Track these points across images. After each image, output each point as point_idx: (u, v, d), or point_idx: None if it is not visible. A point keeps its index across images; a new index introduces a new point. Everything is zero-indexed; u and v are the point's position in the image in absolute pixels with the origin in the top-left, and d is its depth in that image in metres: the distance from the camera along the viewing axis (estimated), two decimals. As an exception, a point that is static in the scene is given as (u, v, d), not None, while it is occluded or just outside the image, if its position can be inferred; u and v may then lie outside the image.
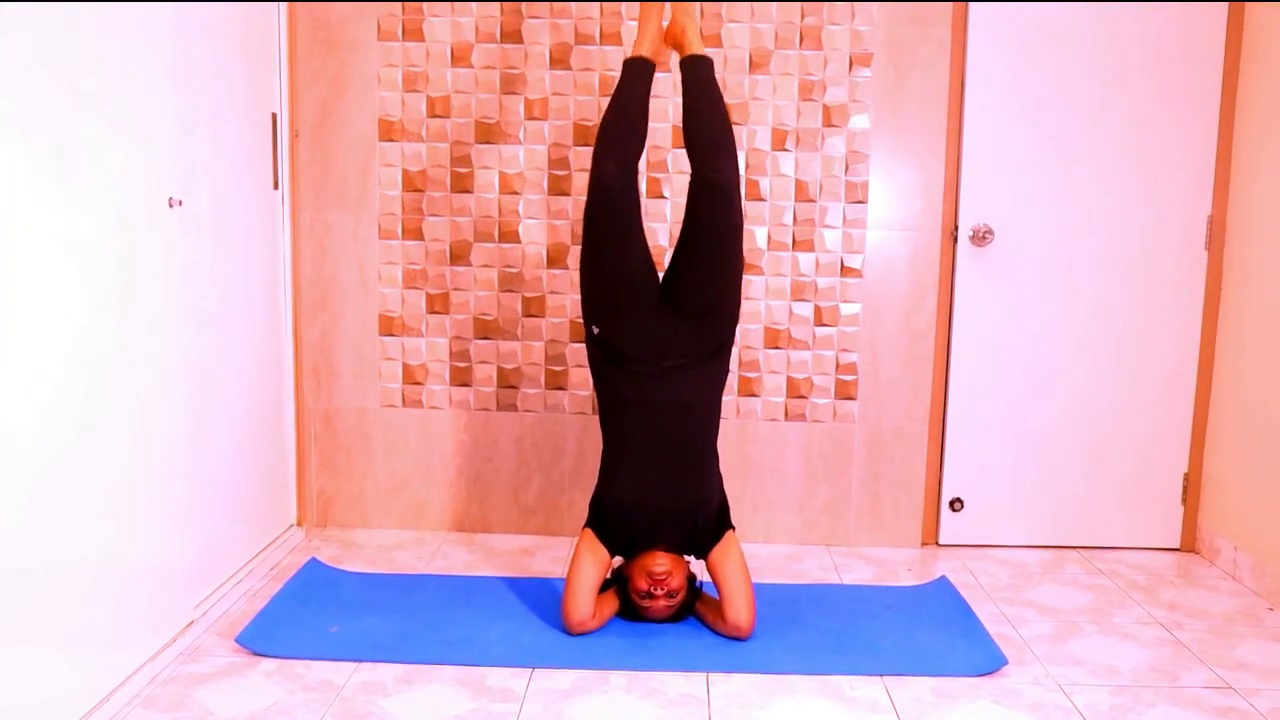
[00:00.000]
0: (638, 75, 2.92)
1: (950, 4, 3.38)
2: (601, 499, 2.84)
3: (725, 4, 3.39)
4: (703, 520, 2.81)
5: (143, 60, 2.46)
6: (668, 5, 3.01)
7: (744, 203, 3.20)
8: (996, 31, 3.42)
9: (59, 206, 2.15)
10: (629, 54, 2.97)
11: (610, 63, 3.43)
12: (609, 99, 2.97)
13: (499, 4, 3.41)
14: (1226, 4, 3.40)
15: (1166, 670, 2.69)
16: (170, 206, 2.59)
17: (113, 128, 2.34)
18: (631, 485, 2.79)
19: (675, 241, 2.95)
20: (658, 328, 2.80)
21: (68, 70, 2.17)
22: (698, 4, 3.31)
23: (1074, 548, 3.63)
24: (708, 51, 2.96)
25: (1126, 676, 2.65)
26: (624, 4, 3.40)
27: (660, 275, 2.90)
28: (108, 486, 2.35)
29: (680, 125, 3.43)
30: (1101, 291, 3.53)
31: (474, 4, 3.41)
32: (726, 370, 2.89)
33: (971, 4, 3.40)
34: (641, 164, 3.43)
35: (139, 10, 2.43)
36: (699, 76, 2.89)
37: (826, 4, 3.38)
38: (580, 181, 3.48)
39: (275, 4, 3.33)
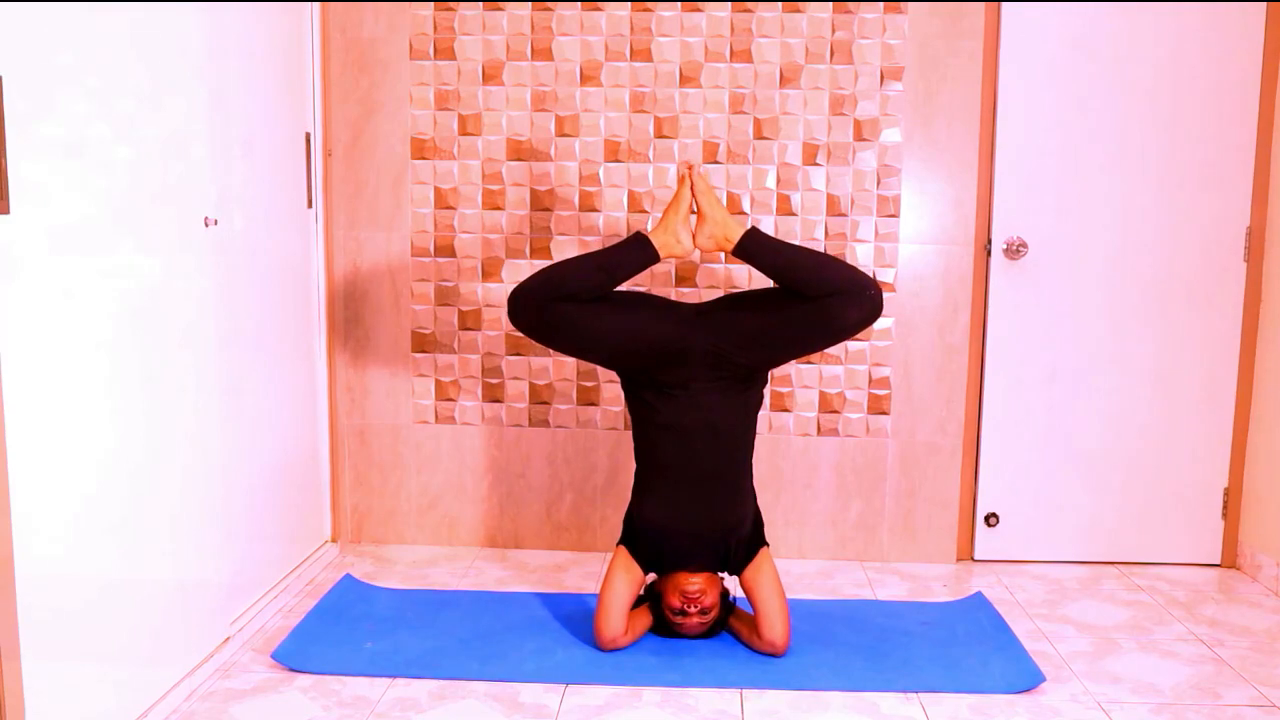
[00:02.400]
0: (634, 262, 2.75)
1: (981, 16, 3.38)
2: (634, 519, 2.84)
3: (756, 18, 3.41)
4: (735, 542, 2.80)
5: (179, 82, 2.50)
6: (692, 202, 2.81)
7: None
8: (1028, 43, 3.41)
9: (97, 227, 2.19)
10: (648, 230, 2.80)
11: (640, 78, 3.45)
12: (592, 254, 2.80)
13: (529, 20, 3.44)
14: (1264, 10, 3.38)
15: (1208, 688, 2.66)
16: (206, 226, 2.62)
17: (150, 148, 2.37)
18: (663, 508, 2.78)
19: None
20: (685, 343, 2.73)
21: (108, 92, 2.21)
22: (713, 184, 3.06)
23: (1112, 563, 3.60)
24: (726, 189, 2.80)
25: (1167, 694, 2.63)
26: (655, 17, 3.42)
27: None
28: (145, 505, 2.38)
29: (715, 140, 3.45)
30: (1138, 304, 3.51)
31: (505, 20, 3.45)
32: (760, 398, 2.84)
33: (1004, 15, 3.39)
34: (673, 180, 3.47)
35: (175, 33, 2.47)
36: (766, 260, 2.73)
37: (858, 16, 3.39)
38: (611, 197, 3.50)
39: (309, 26, 3.38)
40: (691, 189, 2.78)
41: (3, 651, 1.89)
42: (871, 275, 2.80)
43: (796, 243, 2.76)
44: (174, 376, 2.49)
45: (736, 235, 2.75)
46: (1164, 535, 3.60)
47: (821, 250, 2.68)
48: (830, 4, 3.40)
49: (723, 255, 3.48)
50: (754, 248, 2.74)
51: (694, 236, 2.80)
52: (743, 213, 3.48)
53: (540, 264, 3.51)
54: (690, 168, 2.81)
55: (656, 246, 2.76)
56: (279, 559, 3.22)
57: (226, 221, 2.78)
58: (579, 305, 2.73)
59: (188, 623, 2.59)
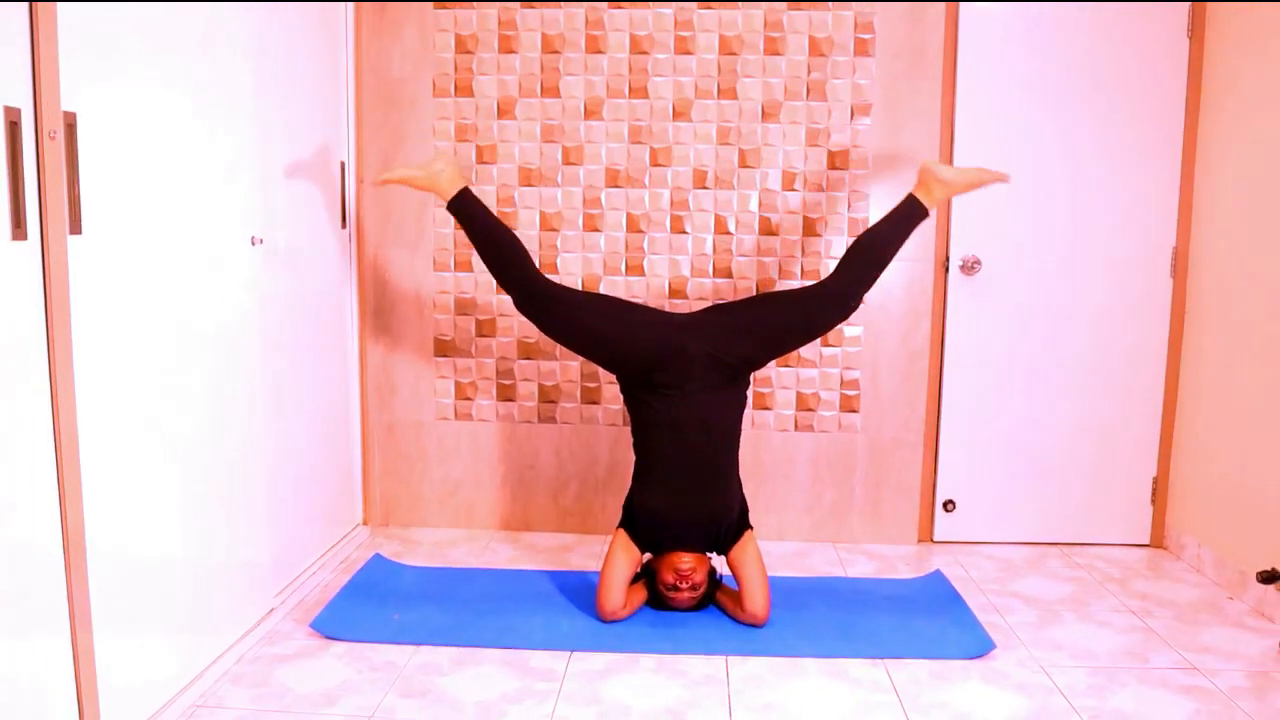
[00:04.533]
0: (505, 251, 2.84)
1: (940, 61, 3.40)
2: (633, 505, 2.82)
3: (740, 60, 3.43)
4: (723, 526, 2.79)
5: (230, 119, 2.51)
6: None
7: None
8: (982, 84, 3.43)
9: (158, 246, 2.21)
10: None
11: (638, 113, 3.46)
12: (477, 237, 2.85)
13: (539, 63, 3.46)
14: (1186, 53, 3.42)
15: (1138, 653, 2.68)
16: (252, 244, 2.63)
17: (204, 177, 2.39)
18: (660, 498, 2.77)
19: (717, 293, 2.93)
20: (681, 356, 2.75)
21: (167, 126, 2.22)
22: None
23: (1055, 544, 3.61)
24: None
25: (1102, 659, 2.64)
26: (650, 59, 3.44)
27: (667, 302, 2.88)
28: (201, 490, 2.40)
29: (703, 168, 3.47)
30: (1079, 314, 3.52)
31: (518, 62, 3.46)
32: (746, 398, 2.85)
33: (960, 60, 3.41)
34: (666, 204, 3.48)
35: (226, 74, 2.48)
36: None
37: (830, 59, 3.41)
38: (611, 218, 3.51)
39: (345, 67, 3.38)
40: None
41: (76, 622, 1.90)
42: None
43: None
44: (226, 377, 2.50)
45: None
46: (1100, 519, 3.61)
47: (797, 289, 2.78)
48: (806, 48, 3.42)
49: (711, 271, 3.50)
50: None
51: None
52: (729, 233, 3.50)
53: (550, 277, 3.53)
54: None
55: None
56: (317, 540, 3.23)
57: (271, 240, 2.79)
58: (583, 307, 2.80)
59: (237, 595, 2.60)
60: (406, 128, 3.51)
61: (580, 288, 3.53)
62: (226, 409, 2.51)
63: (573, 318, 2.82)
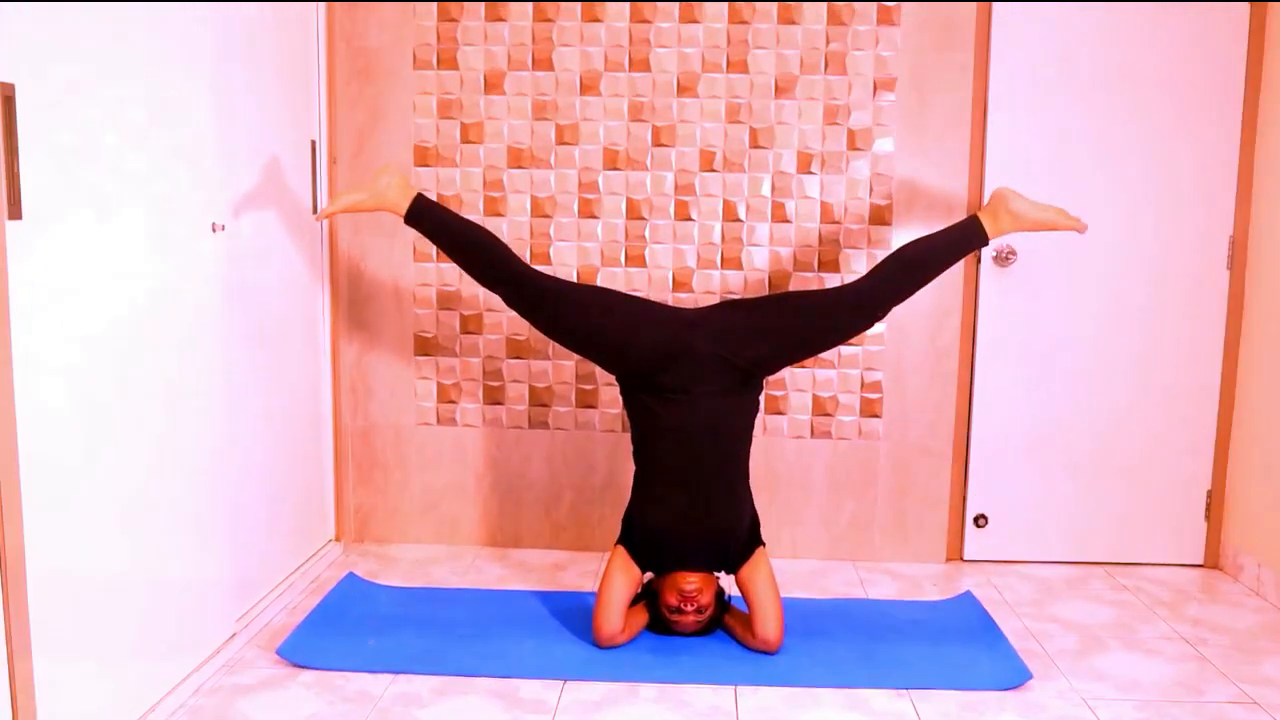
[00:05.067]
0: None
1: (972, 29, 3.39)
2: (633, 520, 2.83)
3: (752, 30, 3.41)
4: (732, 543, 2.79)
5: (187, 92, 2.50)
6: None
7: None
8: (1018, 55, 3.42)
9: (107, 232, 2.19)
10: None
11: (639, 88, 3.45)
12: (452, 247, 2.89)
13: (530, 32, 3.44)
14: (1247, 30, 3.40)
15: (1191, 685, 2.67)
16: (213, 231, 2.62)
17: (159, 156, 2.38)
18: (663, 510, 2.77)
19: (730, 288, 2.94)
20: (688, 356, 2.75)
21: (118, 101, 2.21)
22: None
23: (1098, 564, 3.61)
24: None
25: (1151, 691, 2.63)
26: (653, 28, 3.43)
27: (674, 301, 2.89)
28: (153, 503, 2.38)
29: (711, 149, 3.46)
30: (1124, 311, 3.51)
31: (506, 31, 3.45)
32: (757, 404, 2.86)
33: (994, 27, 3.40)
34: (670, 188, 3.47)
35: (184, 43, 2.47)
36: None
37: (851, 28, 3.40)
38: (609, 204, 3.50)
39: (315, 36, 3.38)
40: None
41: (14, 648, 1.89)
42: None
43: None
44: (182, 378, 2.49)
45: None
46: (1149, 536, 3.60)
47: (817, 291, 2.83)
48: (825, 16, 3.40)
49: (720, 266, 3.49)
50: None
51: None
52: (739, 220, 3.49)
53: (540, 268, 3.52)
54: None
55: None
56: (284, 557, 3.22)
57: (233, 227, 2.78)
58: (580, 301, 2.81)
59: (194, 619, 2.59)
60: (384, 103, 3.51)
61: (575, 280, 3.52)
62: (183, 413, 2.51)
63: (568, 313, 2.83)
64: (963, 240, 2.88)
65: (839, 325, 2.85)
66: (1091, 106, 3.44)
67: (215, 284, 2.65)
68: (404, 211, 2.83)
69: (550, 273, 3.50)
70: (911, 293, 2.87)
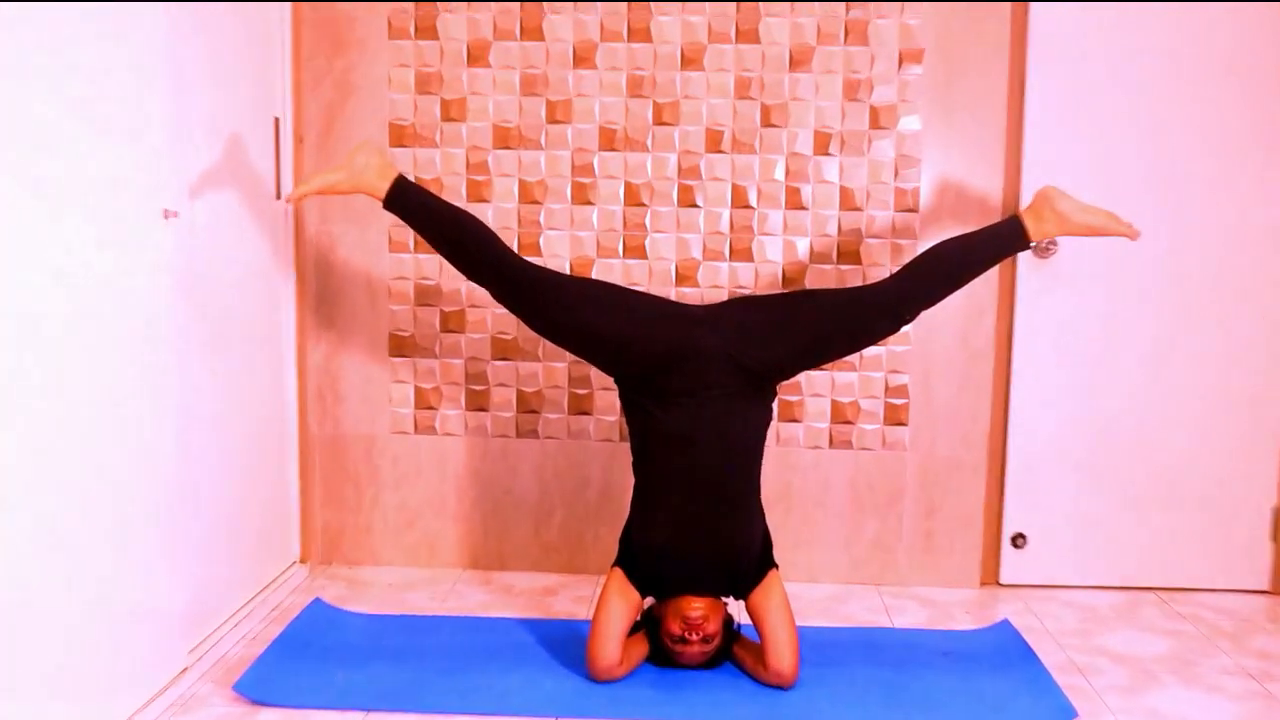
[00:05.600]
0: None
1: (1009, -6, 3.39)
2: (632, 539, 2.83)
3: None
4: (742, 565, 2.79)
5: (136, 62, 2.48)
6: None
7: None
8: (1060, 22, 3.40)
9: (43, 221, 2.16)
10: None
11: (638, 60, 3.44)
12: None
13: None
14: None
15: (1256, 725, 2.65)
16: (165, 218, 2.60)
17: (103, 134, 2.35)
18: (665, 528, 2.76)
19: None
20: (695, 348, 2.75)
21: (55, 71, 2.18)
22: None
23: (1150, 589, 3.59)
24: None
25: (1211, 732, 2.61)
26: (653, 2, 3.43)
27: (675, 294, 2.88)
28: (93, 521, 2.36)
29: (719, 128, 3.44)
30: (1180, 308, 3.50)
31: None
32: (771, 412, 2.86)
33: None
34: (673, 171, 3.45)
35: (131, 10, 2.45)
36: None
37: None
38: (606, 189, 3.49)
39: (279, 1, 3.37)
40: None
41: (-65, 682, 1.86)
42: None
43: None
44: (128, 382, 2.47)
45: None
46: (1208, 559, 3.59)
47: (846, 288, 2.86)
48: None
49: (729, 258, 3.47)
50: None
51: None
52: (749, 206, 3.46)
53: (530, 259, 3.49)
54: None
55: None
56: (242, 582, 3.21)
57: (188, 214, 2.77)
58: (576, 295, 2.82)
59: (141, 652, 2.56)
60: (356, 76, 3.50)
61: (569, 273, 3.51)
62: (129, 421, 2.48)
63: (564, 309, 2.83)
64: (1002, 241, 2.91)
65: (862, 328, 2.86)
66: (1142, 77, 3.42)
67: (166, 276, 2.63)
68: (383, 194, 2.83)
69: (541, 265, 3.48)
70: (943, 296, 2.88)
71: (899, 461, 3.56)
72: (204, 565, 2.93)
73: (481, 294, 3.51)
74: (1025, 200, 3.42)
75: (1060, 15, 3.39)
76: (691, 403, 2.73)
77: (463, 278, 3.48)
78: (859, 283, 3.46)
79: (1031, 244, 2.88)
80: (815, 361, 2.95)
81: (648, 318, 2.82)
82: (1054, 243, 3.45)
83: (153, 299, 2.56)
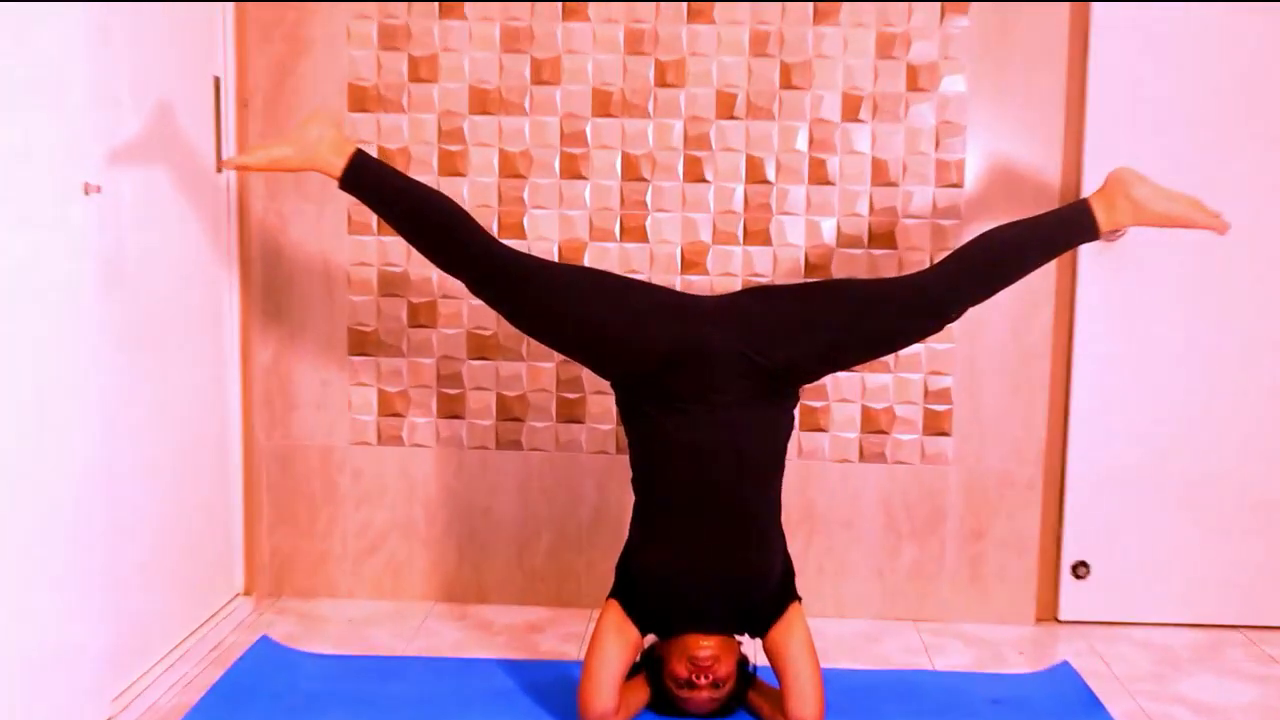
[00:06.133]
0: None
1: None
2: (632, 567, 2.83)
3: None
4: (759, 597, 2.79)
5: (49, 12, 2.46)
6: None
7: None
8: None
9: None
10: None
11: (638, 12, 3.43)
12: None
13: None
14: None
15: (1361, 787, 2.63)
16: (86, 194, 2.60)
17: (12, 97, 2.34)
18: (670, 554, 2.76)
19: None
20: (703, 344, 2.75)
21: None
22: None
23: (1234, 627, 3.59)
24: None
25: (1308, 795, 2.60)
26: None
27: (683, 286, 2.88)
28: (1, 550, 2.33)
29: (731, 90, 3.41)
30: (1268, 301, 3.50)
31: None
32: (792, 421, 2.87)
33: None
34: (678, 140, 3.44)
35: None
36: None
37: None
38: (601, 160, 3.49)
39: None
40: None
41: None
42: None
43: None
44: (40, 384, 2.45)
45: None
46: (1301, 592, 3.60)
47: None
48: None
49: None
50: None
51: None
52: (767, 181, 3.44)
53: (512, 243, 3.48)
54: None
55: None
56: (176, 617, 3.23)
57: (113, 188, 2.77)
58: (566, 285, 2.83)
59: (55, 701, 2.54)
60: (309, 29, 3.51)
61: (557, 259, 3.53)
62: (43, 431, 2.46)
63: (551, 302, 2.84)
64: (1068, 229, 2.91)
65: (898, 325, 2.87)
66: (1227, 31, 3.40)
67: (88, 261, 2.63)
68: (339, 172, 2.83)
69: (525, 250, 3.46)
70: (995, 291, 2.88)
71: (941, 477, 3.56)
72: (131, 598, 2.92)
73: (457, 284, 3.48)
74: (1088, 171, 3.44)
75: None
76: (700, 409, 2.72)
77: (436, 267, 3.49)
78: (894, 271, 3.47)
79: (1101, 234, 2.88)
80: (842, 363, 2.96)
81: (649, 311, 2.82)
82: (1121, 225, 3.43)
83: (71, 287, 2.55)
